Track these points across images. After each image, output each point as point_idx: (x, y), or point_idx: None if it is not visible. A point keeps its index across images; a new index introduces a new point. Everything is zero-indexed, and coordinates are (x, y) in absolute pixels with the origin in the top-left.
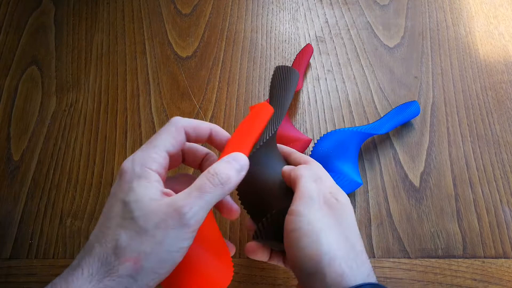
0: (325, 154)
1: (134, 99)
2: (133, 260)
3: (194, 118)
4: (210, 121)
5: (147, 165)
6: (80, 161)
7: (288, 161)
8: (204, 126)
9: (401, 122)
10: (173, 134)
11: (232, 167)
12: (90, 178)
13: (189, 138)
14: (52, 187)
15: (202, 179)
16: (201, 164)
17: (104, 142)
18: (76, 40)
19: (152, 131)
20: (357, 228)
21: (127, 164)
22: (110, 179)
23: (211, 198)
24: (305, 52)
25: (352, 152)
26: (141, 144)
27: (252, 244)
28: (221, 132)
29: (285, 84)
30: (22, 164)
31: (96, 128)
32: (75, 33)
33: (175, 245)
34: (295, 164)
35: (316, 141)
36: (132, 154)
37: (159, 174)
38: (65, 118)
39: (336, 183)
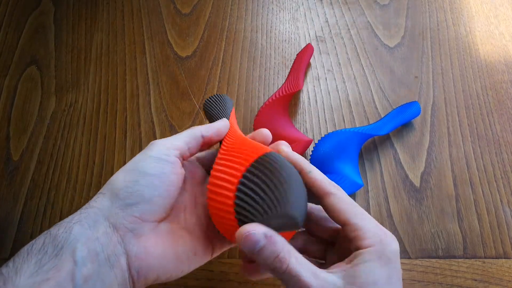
0: (325, 155)
1: (134, 99)
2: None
3: (194, 118)
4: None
5: (169, 144)
6: (80, 161)
7: (304, 178)
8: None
9: (401, 122)
10: (191, 135)
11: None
12: (89, 178)
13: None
14: (52, 187)
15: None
16: None
17: (103, 142)
18: (75, 40)
19: (152, 131)
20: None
21: (157, 140)
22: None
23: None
24: (306, 52)
25: (352, 153)
26: (140, 144)
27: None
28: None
29: (221, 109)
30: (21, 164)
31: (95, 128)
32: (74, 32)
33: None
34: (317, 188)
35: (316, 142)
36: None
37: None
38: (64, 118)
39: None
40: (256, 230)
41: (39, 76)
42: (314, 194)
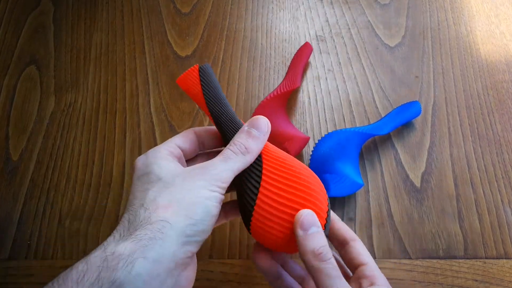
0: (325, 155)
1: (133, 99)
2: (165, 207)
3: (194, 118)
4: (210, 121)
5: (160, 153)
6: (79, 161)
7: (333, 229)
8: (212, 128)
9: (402, 122)
10: (182, 134)
11: (250, 137)
12: (89, 178)
13: (203, 142)
14: (51, 187)
15: (226, 150)
16: None
17: (103, 142)
18: (75, 39)
19: (151, 130)
20: None
21: (139, 158)
22: (109, 179)
23: (234, 164)
24: (304, 51)
25: (353, 152)
26: (140, 144)
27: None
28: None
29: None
30: (20, 164)
31: (95, 128)
32: (74, 32)
33: (205, 192)
34: (340, 236)
35: (316, 142)
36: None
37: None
38: (64, 118)
39: (337, 184)
40: (316, 219)
41: (38, 76)
42: (339, 241)
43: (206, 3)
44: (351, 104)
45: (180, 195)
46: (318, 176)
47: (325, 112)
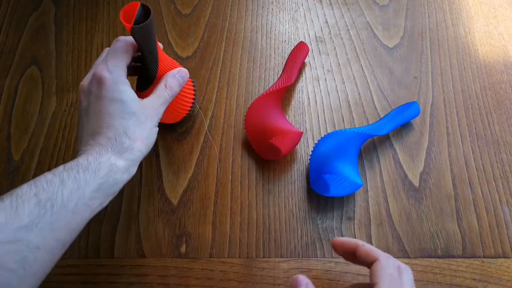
0: (325, 155)
1: None
2: (140, 140)
3: (194, 118)
4: (210, 121)
5: (122, 74)
6: None
7: (359, 251)
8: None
9: (401, 123)
10: (126, 50)
11: (177, 81)
12: None
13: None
14: None
15: (160, 90)
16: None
17: None
18: (76, 40)
19: None
20: None
21: (105, 73)
22: None
23: (165, 100)
24: (299, 50)
25: (352, 153)
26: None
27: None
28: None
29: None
30: (22, 164)
31: None
32: (75, 33)
33: (154, 128)
34: (365, 256)
35: (316, 142)
36: (102, 64)
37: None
38: (65, 118)
39: (336, 185)
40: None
41: (40, 77)
42: (366, 261)
43: (207, 4)
44: (350, 105)
45: (146, 132)
46: (318, 176)
47: (324, 112)
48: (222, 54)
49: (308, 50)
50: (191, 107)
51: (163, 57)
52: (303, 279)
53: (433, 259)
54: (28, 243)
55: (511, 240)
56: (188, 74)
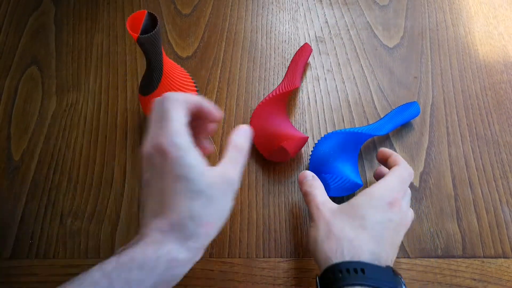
0: (325, 155)
1: (135, 99)
2: (210, 225)
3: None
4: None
5: (187, 142)
6: (80, 161)
7: (388, 161)
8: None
9: (401, 122)
10: (182, 107)
11: (243, 136)
12: (90, 178)
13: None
14: (52, 187)
15: (233, 153)
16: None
17: (104, 142)
18: (76, 40)
19: None
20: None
21: (169, 145)
22: (110, 179)
23: (242, 166)
24: (303, 52)
25: (352, 153)
26: (141, 145)
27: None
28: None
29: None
30: (22, 164)
31: (96, 128)
32: (75, 33)
33: (230, 206)
34: (392, 161)
35: (316, 142)
36: (164, 132)
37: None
38: (65, 118)
39: (336, 185)
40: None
41: (40, 77)
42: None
43: (207, 4)
44: (350, 105)
45: (218, 213)
46: (318, 176)
47: (324, 112)
48: (222, 54)
49: (311, 51)
50: None
51: (166, 61)
52: (309, 172)
53: (433, 259)
54: None
55: (511, 240)
56: (248, 129)
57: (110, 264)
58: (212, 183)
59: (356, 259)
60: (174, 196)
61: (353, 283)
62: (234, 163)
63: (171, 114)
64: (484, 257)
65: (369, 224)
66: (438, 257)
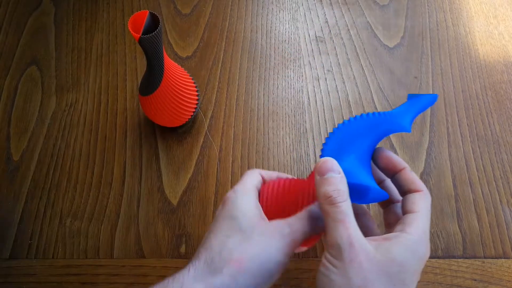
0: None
1: (134, 99)
2: (237, 262)
3: (194, 118)
4: (210, 121)
5: (246, 193)
6: (80, 161)
7: (398, 176)
8: (273, 174)
9: (418, 112)
10: (255, 174)
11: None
12: (90, 178)
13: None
14: (52, 187)
15: (305, 213)
16: None
17: (104, 142)
18: (76, 40)
19: (152, 131)
20: None
21: (230, 193)
22: (110, 179)
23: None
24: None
25: (366, 152)
26: (141, 144)
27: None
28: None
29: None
30: (21, 164)
31: (96, 128)
32: (75, 33)
33: (275, 256)
34: (406, 185)
35: (323, 142)
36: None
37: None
38: (65, 118)
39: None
40: (335, 165)
41: (40, 76)
42: (405, 187)
43: (207, 4)
44: (350, 105)
45: (253, 251)
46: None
47: (324, 112)
48: (222, 54)
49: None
50: (194, 110)
51: (167, 61)
52: (336, 164)
53: (433, 260)
54: None
55: None
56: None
57: None
58: (256, 224)
59: None
60: (214, 234)
61: None
62: (301, 221)
63: (246, 180)
64: (485, 257)
65: None
66: (438, 257)
